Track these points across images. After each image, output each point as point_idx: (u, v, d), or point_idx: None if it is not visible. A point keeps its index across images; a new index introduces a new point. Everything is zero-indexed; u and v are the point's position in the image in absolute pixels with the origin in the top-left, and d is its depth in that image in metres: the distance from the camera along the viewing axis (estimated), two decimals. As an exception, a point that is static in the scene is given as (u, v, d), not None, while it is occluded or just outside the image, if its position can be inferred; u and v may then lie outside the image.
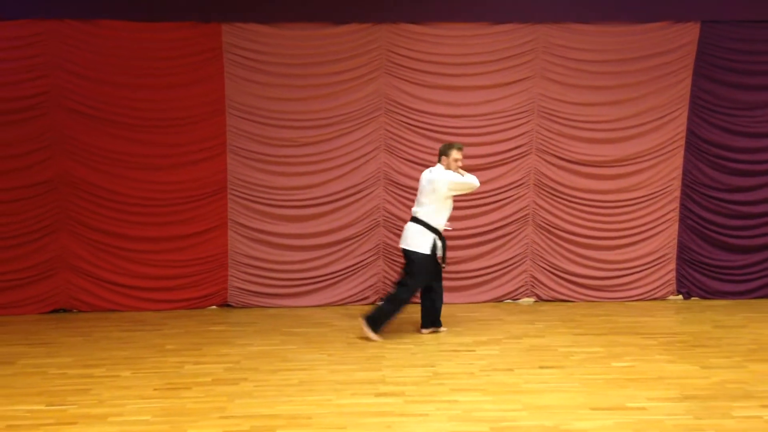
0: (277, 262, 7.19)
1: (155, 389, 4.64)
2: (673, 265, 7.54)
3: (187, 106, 6.98)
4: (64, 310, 7.05)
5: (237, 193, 7.13)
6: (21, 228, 6.87)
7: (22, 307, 6.94)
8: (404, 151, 7.21)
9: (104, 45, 6.82)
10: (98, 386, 4.69)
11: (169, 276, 7.12)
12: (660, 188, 7.41)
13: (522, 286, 7.45)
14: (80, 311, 7.04)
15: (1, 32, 6.70)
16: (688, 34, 7.19)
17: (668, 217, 7.47)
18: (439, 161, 6.06)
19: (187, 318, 6.75)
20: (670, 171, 7.40)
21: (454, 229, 7.27)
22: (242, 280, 7.20)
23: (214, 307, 7.22)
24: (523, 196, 7.35)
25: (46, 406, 4.33)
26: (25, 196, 6.85)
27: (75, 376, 4.92)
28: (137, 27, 6.81)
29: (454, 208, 7.25)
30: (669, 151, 7.37)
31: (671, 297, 7.57)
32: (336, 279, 7.30)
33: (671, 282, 7.56)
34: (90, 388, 4.64)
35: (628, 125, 7.30)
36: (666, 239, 7.49)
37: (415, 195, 7.19)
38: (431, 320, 6.19)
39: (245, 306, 7.20)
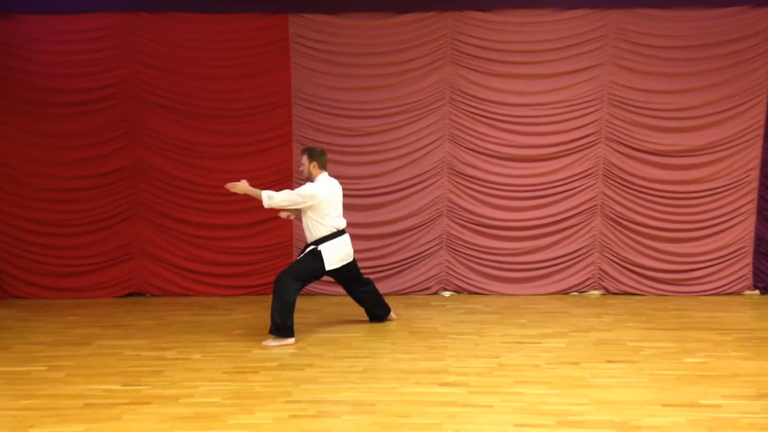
0: (341, 251, 7.25)
1: (224, 372, 4.75)
2: (749, 259, 7.25)
3: (254, 96, 7.10)
4: (138, 294, 7.31)
5: (302, 183, 7.19)
6: (98, 214, 7.16)
7: (99, 291, 7.23)
8: (469, 141, 7.15)
9: (175, 36, 7.00)
10: (170, 368, 4.84)
11: (236, 263, 7.28)
12: (736, 179, 7.14)
13: (589, 278, 7.31)
14: (153, 295, 7.28)
15: (77, 25, 6.99)
16: (767, 18, 6.87)
17: (745, 208, 7.19)
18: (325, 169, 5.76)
19: (254, 304, 6.90)
20: (747, 161, 7.12)
21: (520, 220, 7.22)
22: (307, 267, 7.29)
23: (280, 294, 7.34)
24: (591, 186, 7.19)
25: (122, 386, 4.49)
26: (102, 183, 7.14)
27: (148, 358, 5.09)
28: (207, 18, 6.97)
29: (521, 198, 7.20)
30: (746, 141, 7.09)
31: (747, 292, 7.29)
32: (399, 269, 7.32)
33: (747, 276, 7.27)
34: (162, 370, 4.80)
35: (703, 114, 7.05)
36: (742, 232, 7.21)
37: (482, 185, 7.18)
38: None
39: (309, 294, 7.29)
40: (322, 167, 5.72)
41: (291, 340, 5.49)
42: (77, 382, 4.55)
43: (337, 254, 5.65)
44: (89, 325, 6.10)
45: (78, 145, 7.09)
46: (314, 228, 5.63)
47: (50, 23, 6.97)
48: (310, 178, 5.72)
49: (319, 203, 5.56)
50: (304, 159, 5.71)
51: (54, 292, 7.21)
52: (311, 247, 5.66)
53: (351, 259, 5.80)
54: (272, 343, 5.46)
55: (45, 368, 4.86)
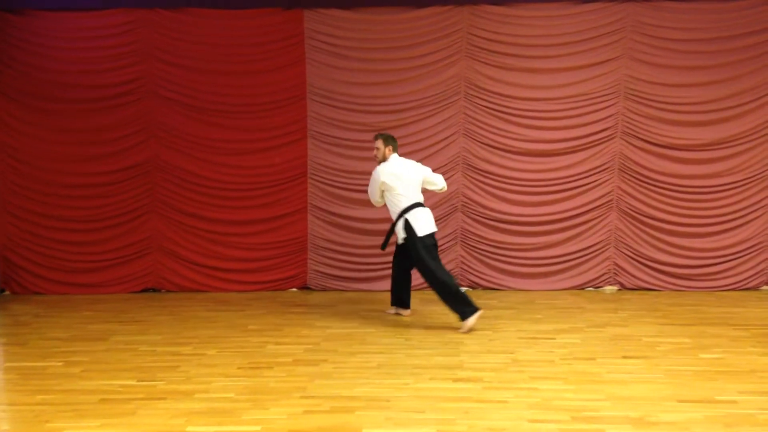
0: (355, 246, 7.26)
1: (239, 368, 4.77)
2: (767, 254, 7.17)
3: (269, 91, 7.11)
4: (154, 290, 7.36)
5: (317, 178, 7.22)
6: (115, 210, 7.21)
7: (115, 286, 7.28)
8: (484, 136, 7.12)
9: (192, 32, 7.04)
10: (186, 363, 4.86)
11: (252, 258, 7.31)
12: (755, 173, 7.06)
13: (605, 273, 7.26)
14: (169, 291, 7.33)
15: (95, 21, 7.04)
16: (788, 9, 6.80)
17: (763, 203, 7.11)
18: (395, 151, 5.93)
19: (269, 300, 6.92)
20: (766, 155, 7.04)
21: (535, 215, 7.18)
22: (321, 263, 7.31)
23: (295, 289, 7.37)
24: (607, 181, 7.14)
25: (137, 381, 4.51)
26: (119, 179, 7.19)
27: (164, 354, 5.12)
28: (223, 14, 6.99)
29: (536, 193, 7.17)
30: (765, 135, 7.01)
31: (765, 287, 7.22)
32: (414, 263, 7.31)
33: (765, 271, 7.20)
34: (178, 365, 4.82)
35: (721, 107, 6.98)
36: (761, 226, 7.14)
37: (497, 180, 7.15)
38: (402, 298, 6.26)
39: (324, 289, 7.31)
40: (395, 150, 5.93)
41: (478, 313, 5.64)
42: (93, 378, 4.59)
43: (422, 221, 5.75)
44: (105, 321, 6.14)
45: (95, 141, 7.15)
46: (392, 205, 5.85)
47: (68, 20, 7.03)
48: (384, 161, 5.88)
49: (388, 183, 5.78)
50: (380, 143, 5.86)
51: (70, 287, 7.28)
52: (401, 221, 5.77)
53: (432, 231, 5.82)
54: (469, 323, 5.62)
55: (61, 364, 4.91)
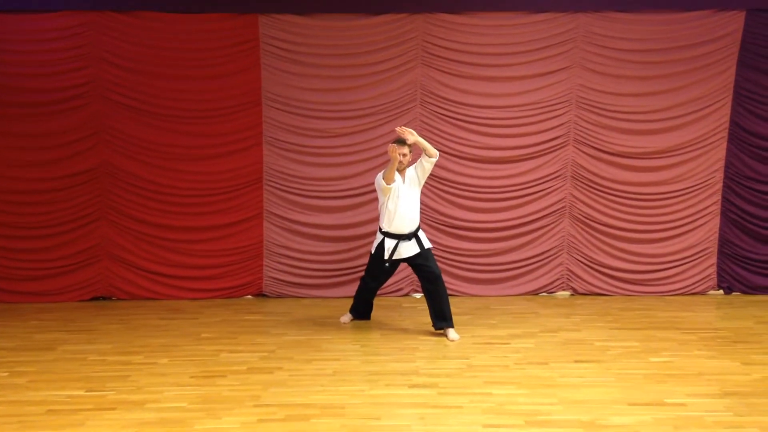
0: (311, 253, 7.22)
1: (192, 377, 4.70)
2: (714, 260, 7.38)
3: (224, 97, 7.03)
4: (104, 298, 7.19)
5: (272, 184, 7.17)
6: (63, 217, 7.02)
7: (64, 294, 7.09)
8: (439, 143, 7.15)
9: (144, 36, 6.90)
10: (136, 373, 4.77)
11: (205, 265, 7.20)
12: (701, 180, 7.25)
13: (558, 279, 7.37)
14: (119, 299, 7.17)
15: (45, 23, 6.85)
16: (733, 22, 7.00)
17: (710, 210, 7.31)
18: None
19: (223, 307, 6.83)
20: (712, 163, 7.24)
21: (490, 221, 7.25)
22: (277, 270, 7.25)
23: (250, 296, 7.29)
24: (559, 188, 7.25)
25: (86, 391, 4.41)
26: (68, 185, 7.00)
27: (114, 363, 5.01)
28: (177, 18, 6.88)
29: (491, 200, 7.23)
30: (711, 143, 7.21)
31: (712, 292, 7.42)
32: (370, 270, 7.30)
33: (712, 276, 7.40)
34: (128, 375, 4.73)
35: (670, 116, 7.15)
36: (707, 233, 7.34)
37: (452, 187, 7.21)
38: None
39: (280, 296, 7.25)
40: None
41: (350, 317, 6.30)
42: (40, 388, 4.47)
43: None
44: (53, 330, 5.98)
45: (43, 147, 6.95)
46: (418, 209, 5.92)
47: (15, 22, 6.82)
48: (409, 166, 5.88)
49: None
50: (407, 149, 5.70)
51: (17, 296, 7.05)
52: (420, 231, 5.89)
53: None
54: (344, 317, 6.27)
55: (6, 374, 4.77)
